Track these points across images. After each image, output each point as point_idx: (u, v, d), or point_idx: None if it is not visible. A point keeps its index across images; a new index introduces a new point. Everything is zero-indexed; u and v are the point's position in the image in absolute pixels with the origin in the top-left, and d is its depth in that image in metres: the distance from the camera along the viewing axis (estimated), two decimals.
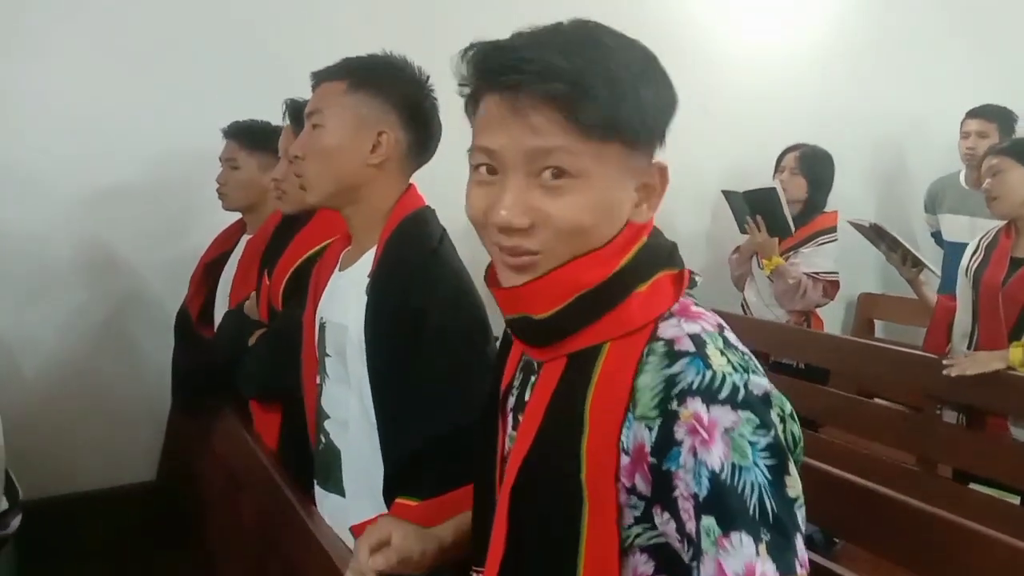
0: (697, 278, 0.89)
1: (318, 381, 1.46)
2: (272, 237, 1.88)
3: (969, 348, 2.41)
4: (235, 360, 1.78)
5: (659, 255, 0.83)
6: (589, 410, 0.78)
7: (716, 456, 0.70)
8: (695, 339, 0.76)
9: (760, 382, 0.75)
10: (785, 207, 3.00)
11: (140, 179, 2.55)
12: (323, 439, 1.45)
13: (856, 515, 1.57)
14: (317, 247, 1.66)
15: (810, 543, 2.17)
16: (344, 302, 1.39)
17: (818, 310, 3.20)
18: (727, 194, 3.14)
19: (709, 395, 0.72)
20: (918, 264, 2.55)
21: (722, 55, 3.51)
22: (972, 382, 2.25)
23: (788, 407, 0.77)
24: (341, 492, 1.42)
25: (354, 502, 1.39)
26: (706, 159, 3.48)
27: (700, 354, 0.75)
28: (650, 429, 0.74)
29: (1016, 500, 2.24)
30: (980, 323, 2.39)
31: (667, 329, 0.78)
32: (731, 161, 3.55)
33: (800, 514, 0.72)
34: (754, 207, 3.03)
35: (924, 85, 3.96)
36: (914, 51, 3.95)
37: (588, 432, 0.77)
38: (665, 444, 0.73)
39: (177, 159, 2.53)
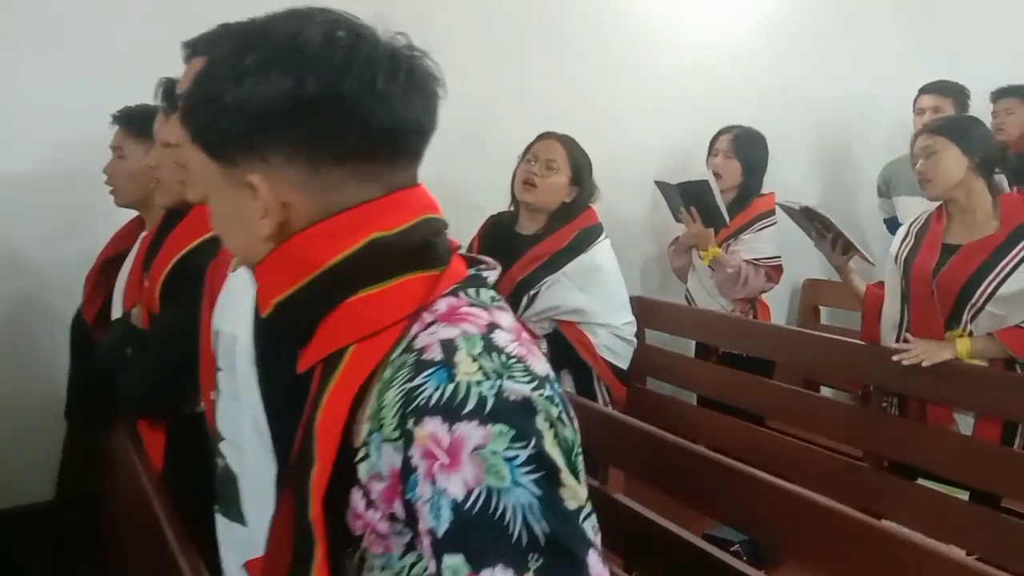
0: (489, 274, 0.82)
1: (212, 397, 1.31)
2: (155, 234, 1.70)
3: (898, 338, 2.31)
4: (115, 372, 1.61)
5: (393, 257, 0.76)
6: (317, 435, 0.72)
7: (461, 482, 0.63)
8: (446, 346, 0.69)
9: (517, 388, 0.67)
10: (719, 198, 2.92)
11: (42, 168, 2.35)
12: (219, 462, 1.30)
13: (793, 524, 1.47)
14: (193, 243, 1.49)
15: (754, 552, 2.07)
16: (235, 308, 1.23)
17: (764, 297, 3.14)
18: (660, 185, 3.04)
19: (450, 411, 0.65)
20: (848, 250, 2.43)
21: (660, 37, 3.38)
22: (920, 373, 2.16)
23: (556, 410, 0.69)
24: (242, 521, 1.27)
25: (257, 533, 1.23)
26: (647, 144, 3.38)
27: (446, 363, 0.68)
28: (397, 452, 0.68)
29: (965, 496, 2.16)
30: (911, 312, 2.29)
31: (424, 337, 0.72)
32: (673, 145, 3.43)
33: (588, 524, 0.66)
34: (688, 199, 2.94)
35: (870, 67, 3.88)
36: (859, 33, 3.87)
37: (316, 462, 0.71)
38: (406, 470, 0.67)
39: (83, 147, 2.31)
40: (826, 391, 3.44)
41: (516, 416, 0.65)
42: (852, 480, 2.37)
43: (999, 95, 3.51)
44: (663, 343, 3.21)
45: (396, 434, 0.67)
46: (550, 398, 0.69)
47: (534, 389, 0.68)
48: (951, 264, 2.20)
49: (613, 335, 2.34)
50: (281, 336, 0.83)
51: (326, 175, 0.74)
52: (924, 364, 2.14)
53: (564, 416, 0.70)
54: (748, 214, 3.02)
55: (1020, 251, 2.12)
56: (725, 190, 3.06)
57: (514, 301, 2.35)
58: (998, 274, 2.12)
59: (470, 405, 0.65)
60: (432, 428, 0.64)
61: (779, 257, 3.01)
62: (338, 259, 0.74)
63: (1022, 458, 2.08)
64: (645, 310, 3.20)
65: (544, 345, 2.31)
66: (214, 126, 0.73)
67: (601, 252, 2.36)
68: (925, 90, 3.39)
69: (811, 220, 2.47)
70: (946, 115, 3.08)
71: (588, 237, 2.37)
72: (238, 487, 1.26)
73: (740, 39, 3.57)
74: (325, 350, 0.75)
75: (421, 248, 0.77)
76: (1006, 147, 3.53)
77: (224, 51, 0.74)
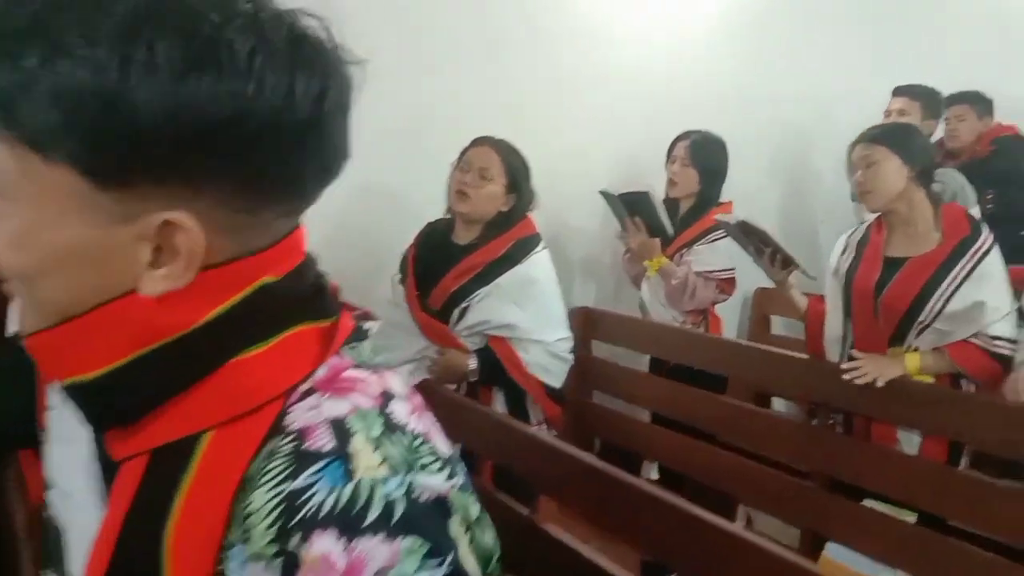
0: (369, 326, 0.65)
1: (42, 439, 1.17)
2: None
3: (843, 354, 2.24)
4: None
5: (288, 303, 0.59)
6: (170, 549, 0.54)
7: None
8: (338, 428, 0.54)
9: (431, 482, 0.54)
10: (661, 210, 2.83)
11: None
12: (45, 515, 1.16)
13: (727, 567, 1.37)
14: None
15: None
16: None
17: (715, 308, 3.05)
18: (605, 195, 2.94)
19: (348, 523, 0.50)
20: (788, 264, 2.34)
21: (608, 36, 3.26)
22: (866, 390, 2.08)
23: (475, 509, 0.57)
24: None
25: None
26: (597, 149, 3.26)
27: (341, 454, 0.53)
28: (271, 574, 0.51)
29: (912, 517, 2.09)
30: (854, 328, 2.22)
31: (301, 414, 0.55)
32: (625, 150, 3.32)
33: None
34: (630, 208, 2.85)
35: (828, 69, 3.81)
36: (816, 32, 3.79)
37: None
38: None
39: None
40: (783, 405, 3.38)
41: (430, 523, 0.53)
42: (799, 500, 2.29)
43: (950, 101, 3.48)
44: (618, 356, 3.11)
45: (271, 551, 0.51)
46: (464, 488, 0.57)
47: (448, 479, 0.55)
48: (896, 281, 2.12)
49: (546, 352, 2.23)
50: (100, 417, 0.60)
51: (265, 212, 0.56)
52: (878, 384, 2.07)
53: (483, 517, 0.58)
54: (703, 224, 2.91)
55: (965, 266, 2.07)
56: (682, 198, 2.97)
57: (445, 314, 2.24)
58: (945, 291, 2.07)
59: (374, 513, 0.51)
60: (324, 547, 0.50)
61: (732, 269, 2.90)
62: (217, 312, 0.56)
63: (968, 479, 2.02)
64: (592, 321, 3.11)
65: (474, 361, 2.20)
66: (118, 134, 0.50)
67: (538, 264, 2.25)
68: (897, 91, 3.37)
69: (748, 235, 2.39)
70: (911, 119, 3.03)
71: (525, 247, 2.25)
72: (63, 541, 1.12)
73: (692, 40, 3.47)
74: (168, 435, 0.56)
75: (314, 294, 0.62)
76: (958, 154, 3.52)
77: (117, 27, 0.49)
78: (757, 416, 2.49)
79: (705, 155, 2.93)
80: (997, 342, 2.05)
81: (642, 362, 3.10)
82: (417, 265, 2.29)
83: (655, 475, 2.98)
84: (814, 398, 2.39)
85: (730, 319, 3.53)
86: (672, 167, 2.97)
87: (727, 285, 2.93)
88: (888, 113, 3.29)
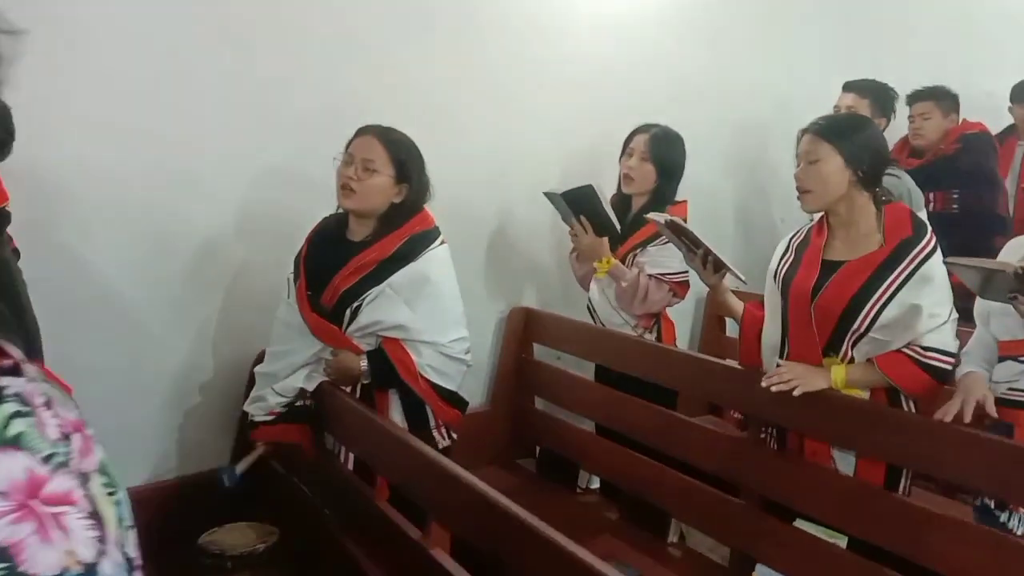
0: (6, 383, 0.50)
1: None
2: None
3: (778, 365, 2.05)
4: None
5: None
6: None
7: None
8: None
9: None
10: (605, 204, 2.67)
11: None
12: None
13: None
14: None
15: None
16: None
17: (668, 311, 2.90)
18: (549, 195, 2.78)
19: None
20: (720, 268, 2.20)
21: (554, 28, 3.09)
22: (794, 403, 1.92)
23: None
24: None
25: None
26: (541, 146, 3.10)
27: None
28: None
29: (843, 542, 1.97)
30: (791, 335, 2.04)
31: None
32: (570, 147, 3.17)
33: None
34: (575, 207, 2.69)
35: (787, 63, 3.68)
36: (773, 26, 3.66)
37: None
38: None
39: None
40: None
41: None
42: (730, 518, 2.18)
43: (914, 98, 3.35)
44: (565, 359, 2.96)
45: None
46: None
47: None
48: (831, 285, 1.95)
49: (439, 353, 2.11)
50: None
51: None
52: (795, 393, 1.91)
53: None
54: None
55: (904, 270, 1.89)
56: (636, 195, 2.83)
57: (338, 314, 2.12)
58: (881, 296, 1.89)
59: None
60: None
61: (686, 272, 2.74)
62: None
63: (904, 505, 1.87)
64: (532, 323, 2.99)
65: (364, 362, 2.09)
66: None
67: (433, 261, 2.12)
68: (847, 87, 3.26)
69: (679, 235, 2.25)
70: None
71: (420, 244, 2.11)
72: None
73: (644, 33, 3.30)
74: None
75: None
76: (923, 152, 3.38)
77: None
78: (693, 429, 2.36)
79: (665, 150, 2.77)
80: (930, 353, 1.89)
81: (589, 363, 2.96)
82: (309, 262, 2.16)
83: (595, 485, 2.87)
84: (743, 410, 2.26)
85: (685, 320, 3.40)
86: (629, 161, 2.81)
87: (680, 288, 2.78)
88: (837, 109, 3.16)
